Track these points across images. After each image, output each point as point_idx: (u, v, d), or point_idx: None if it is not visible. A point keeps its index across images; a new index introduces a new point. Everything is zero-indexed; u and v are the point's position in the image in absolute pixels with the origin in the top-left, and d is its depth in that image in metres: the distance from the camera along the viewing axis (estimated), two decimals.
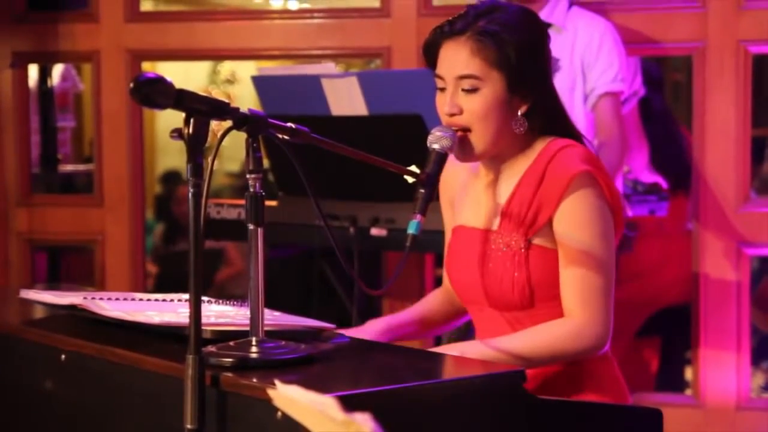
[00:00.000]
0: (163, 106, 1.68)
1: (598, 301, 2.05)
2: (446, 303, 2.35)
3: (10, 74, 4.29)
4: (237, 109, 1.76)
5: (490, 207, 2.17)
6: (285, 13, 5.41)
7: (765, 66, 6.06)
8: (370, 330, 2.22)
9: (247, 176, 1.79)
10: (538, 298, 2.10)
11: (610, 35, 3.51)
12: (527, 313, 2.11)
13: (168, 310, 2.07)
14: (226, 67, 8.46)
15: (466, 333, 3.17)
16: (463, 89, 2.08)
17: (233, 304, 2.19)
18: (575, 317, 2.06)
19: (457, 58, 2.08)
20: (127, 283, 4.20)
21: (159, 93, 1.66)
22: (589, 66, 3.48)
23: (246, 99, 3.54)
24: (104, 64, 4.22)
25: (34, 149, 4.59)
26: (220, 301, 2.22)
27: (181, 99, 1.68)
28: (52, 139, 4.92)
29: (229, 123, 1.77)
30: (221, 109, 1.73)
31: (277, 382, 1.30)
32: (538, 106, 2.12)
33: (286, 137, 1.83)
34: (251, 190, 1.78)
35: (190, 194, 1.69)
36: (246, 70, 3.78)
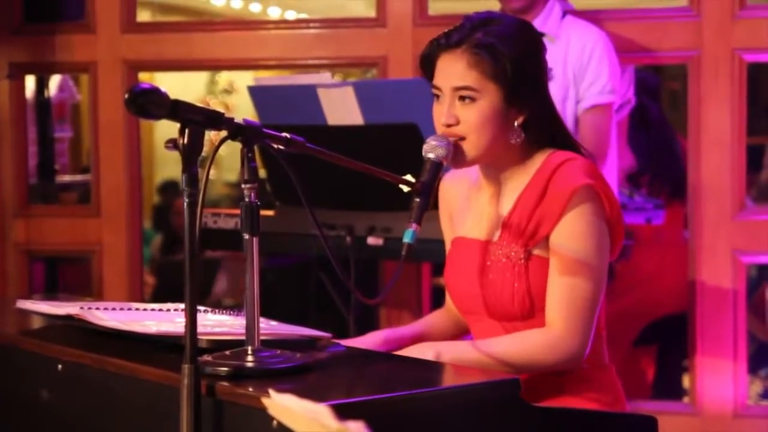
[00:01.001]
0: (158, 117, 1.69)
1: (580, 315, 2.06)
2: (448, 323, 2.36)
3: (7, 85, 4.30)
4: (232, 119, 1.76)
5: (491, 219, 2.18)
6: (282, 24, 5.42)
7: (762, 74, 6.08)
8: (368, 341, 2.23)
9: (243, 186, 1.79)
10: (538, 309, 2.10)
11: (602, 45, 3.51)
12: (527, 323, 2.12)
13: (165, 319, 2.07)
14: (224, 77, 8.47)
15: None
16: (461, 100, 2.09)
17: (229, 314, 2.19)
18: (553, 329, 2.06)
19: (454, 70, 2.09)
20: (125, 293, 4.20)
21: (154, 103, 1.67)
22: (579, 76, 3.49)
23: (244, 109, 3.54)
24: (101, 75, 4.23)
25: (31, 160, 4.59)
26: (217, 311, 2.23)
27: (176, 109, 1.68)
28: (49, 149, 4.92)
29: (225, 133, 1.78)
30: (216, 120, 1.73)
31: (271, 390, 1.30)
32: (535, 117, 2.13)
33: (281, 147, 1.83)
34: (246, 199, 1.79)
35: (185, 204, 1.69)
36: (244, 80, 3.78)
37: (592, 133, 3.48)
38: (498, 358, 2.02)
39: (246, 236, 1.79)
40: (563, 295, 2.06)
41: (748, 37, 3.81)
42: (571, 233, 2.07)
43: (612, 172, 3.56)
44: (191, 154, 1.69)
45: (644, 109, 4.38)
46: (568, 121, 3.47)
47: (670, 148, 4.52)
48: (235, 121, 1.77)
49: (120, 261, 4.24)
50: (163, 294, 5.72)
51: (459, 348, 2.05)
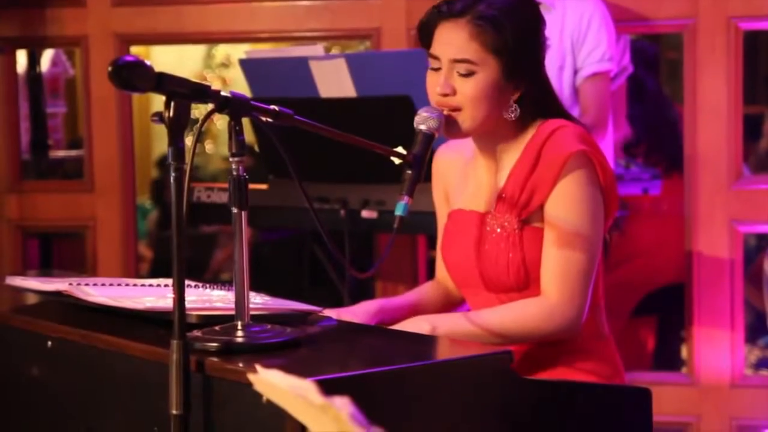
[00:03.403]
0: (143, 90, 1.67)
1: (575, 284, 2.05)
2: (439, 295, 2.35)
3: None
4: (218, 92, 1.74)
5: (486, 190, 2.17)
6: None
7: (760, 43, 6.05)
8: (361, 310, 2.22)
9: (230, 159, 1.77)
10: (533, 279, 2.10)
11: (600, 13, 3.49)
12: (522, 294, 2.11)
13: (156, 295, 2.06)
14: (221, 50, 8.42)
15: None
16: (458, 72, 2.07)
17: (225, 289, 2.18)
18: (549, 298, 2.06)
19: (455, 41, 2.07)
20: (119, 269, 4.18)
21: (138, 76, 1.65)
22: (578, 45, 3.46)
23: (242, 82, 3.51)
24: (92, 48, 4.19)
25: (24, 135, 4.56)
26: (212, 286, 2.21)
27: (162, 82, 1.66)
28: (42, 124, 4.89)
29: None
30: (202, 92, 1.71)
31: (257, 366, 1.28)
32: (531, 93, 2.12)
33: (269, 120, 1.81)
34: (234, 173, 1.77)
35: (171, 178, 1.67)
36: (241, 53, 3.75)
37: (593, 101, 3.46)
38: (493, 329, 2.02)
39: (234, 210, 1.77)
40: (558, 264, 2.05)
41: (744, 4, 3.78)
42: (565, 200, 2.06)
43: (608, 142, 3.54)
44: (177, 128, 1.67)
45: (640, 81, 4.36)
46: (565, 90, 3.45)
47: (666, 120, 4.50)
48: (222, 93, 1.74)
49: (114, 236, 4.22)
50: (161, 268, 5.72)
51: (454, 320, 2.04)
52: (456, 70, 2.07)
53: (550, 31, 3.45)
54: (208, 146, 8.42)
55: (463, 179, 2.24)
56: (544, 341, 2.10)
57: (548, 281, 2.06)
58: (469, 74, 2.06)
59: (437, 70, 2.10)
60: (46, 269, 4.51)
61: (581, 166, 2.06)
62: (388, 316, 2.24)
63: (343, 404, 1.06)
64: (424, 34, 2.14)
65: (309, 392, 1.11)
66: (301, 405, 1.14)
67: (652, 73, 4.56)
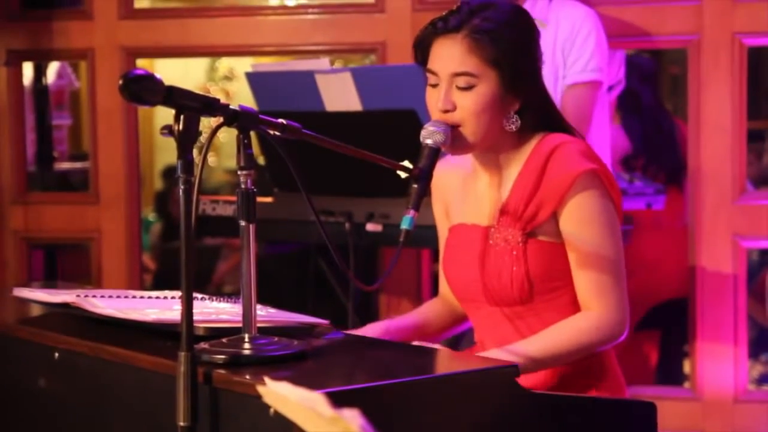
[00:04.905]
0: (152, 103, 1.68)
1: (612, 293, 2.09)
2: (444, 312, 2.35)
3: (5, 72, 4.28)
4: (227, 106, 1.75)
5: (488, 204, 2.18)
6: (279, 9, 5.41)
7: (764, 58, 6.06)
8: (367, 332, 2.22)
9: (239, 173, 1.79)
10: (537, 292, 2.11)
11: (590, 23, 3.46)
12: (527, 307, 2.12)
13: (162, 307, 2.06)
14: (225, 64, 8.45)
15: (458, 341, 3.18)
16: (458, 86, 2.08)
17: (229, 301, 2.18)
18: (593, 309, 2.09)
19: (452, 55, 2.07)
20: (124, 281, 4.19)
21: (148, 90, 1.66)
22: (566, 55, 3.45)
23: (245, 96, 3.52)
24: (99, 61, 4.21)
25: (30, 147, 4.57)
26: (216, 298, 2.22)
27: (171, 96, 1.67)
28: (47, 136, 4.91)
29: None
30: (211, 106, 1.72)
31: (266, 378, 1.29)
32: (531, 104, 2.13)
33: (277, 133, 1.82)
34: (243, 186, 1.78)
35: (180, 191, 1.69)
36: (244, 66, 3.76)
37: (571, 110, 3.43)
38: (548, 354, 2.04)
39: (242, 223, 1.78)
40: (590, 281, 2.08)
41: (748, 20, 3.79)
42: (584, 220, 2.08)
43: (605, 155, 3.53)
44: (186, 141, 1.68)
45: (636, 95, 4.37)
46: (560, 105, 3.44)
47: (664, 133, 4.50)
48: (231, 107, 1.75)
49: (119, 248, 4.22)
50: (164, 280, 5.72)
51: (504, 357, 2.04)
52: (456, 84, 2.07)
53: (545, 47, 3.45)
54: (211, 159, 8.44)
55: (463, 193, 2.25)
56: (596, 352, 2.12)
57: (586, 298, 2.10)
58: (469, 87, 2.07)
59: (435, 86, 2.10)
60: (50, 281, 4.52)
61: (592, 185, 2.08)
62: (394, 336, 2.25)
63: (352, 416, 1.07)
64: (420, 50, 2.14)
65: (319, 404, 1.12)
66: (311, 417, 1.15)
67: (649, 86, 4.57)
